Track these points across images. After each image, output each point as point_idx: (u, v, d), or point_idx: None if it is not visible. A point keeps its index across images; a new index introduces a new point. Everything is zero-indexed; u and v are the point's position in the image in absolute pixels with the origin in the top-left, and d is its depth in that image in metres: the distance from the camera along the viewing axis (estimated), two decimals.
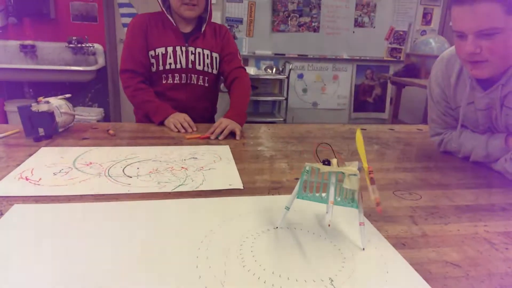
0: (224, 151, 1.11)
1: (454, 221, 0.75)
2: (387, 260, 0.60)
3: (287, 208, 0.66)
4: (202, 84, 1.54)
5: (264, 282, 0.53)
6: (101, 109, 3.45)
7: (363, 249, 0.62)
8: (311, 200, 0.64)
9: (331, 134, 1.38)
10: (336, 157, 0.63)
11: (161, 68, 1.47)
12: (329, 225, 0.58)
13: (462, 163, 1.11)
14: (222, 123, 1.28)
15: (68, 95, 1.28)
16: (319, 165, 0.62)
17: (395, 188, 0.90)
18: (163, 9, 1.45)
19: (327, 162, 0.62)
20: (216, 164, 1.00)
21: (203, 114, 1.55)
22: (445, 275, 0.57)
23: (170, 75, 1.49)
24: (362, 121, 4.01)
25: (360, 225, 0.62)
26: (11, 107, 3.11)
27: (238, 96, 1.48)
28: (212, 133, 1.25)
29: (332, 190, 0.61)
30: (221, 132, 1.25)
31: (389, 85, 3.94)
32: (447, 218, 0.76)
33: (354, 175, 0.60)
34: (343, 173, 0.61)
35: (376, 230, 0.69)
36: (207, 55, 1.51)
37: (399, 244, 0.65)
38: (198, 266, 0.55)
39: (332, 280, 0.54)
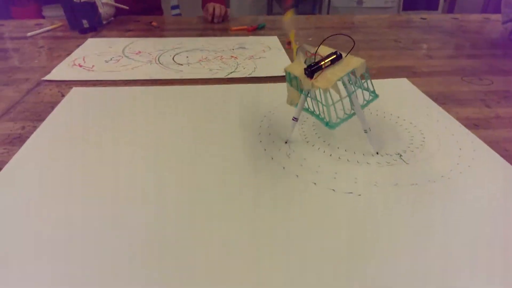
0: (272, 41, 1.05)
1: None
2: (459, 139, 0.56)
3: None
4: None
5: (330, 155, 0.52)
6: None
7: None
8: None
9: (386, 24, 1.26)
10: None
11: None
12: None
13: None
14: None
15: None
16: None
17: (463, 74, 0.83)
18: None
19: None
20: (265, 53, 0.95)
21: None
22: None
23: None
24: None
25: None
26: (49, 12, 3.08)
27: None
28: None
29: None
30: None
31: None
32: None
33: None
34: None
35: (444, 111, 0.65)
36: None
37: (471, 125, 0.61)
38: (262, 141, 0.55)
39: (401, 155, 0.52)
